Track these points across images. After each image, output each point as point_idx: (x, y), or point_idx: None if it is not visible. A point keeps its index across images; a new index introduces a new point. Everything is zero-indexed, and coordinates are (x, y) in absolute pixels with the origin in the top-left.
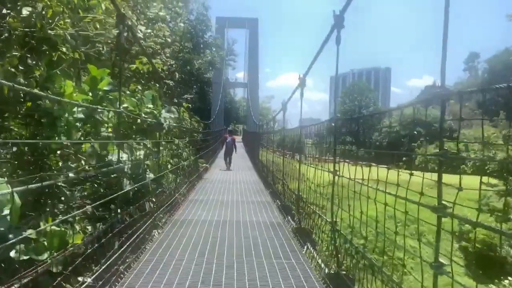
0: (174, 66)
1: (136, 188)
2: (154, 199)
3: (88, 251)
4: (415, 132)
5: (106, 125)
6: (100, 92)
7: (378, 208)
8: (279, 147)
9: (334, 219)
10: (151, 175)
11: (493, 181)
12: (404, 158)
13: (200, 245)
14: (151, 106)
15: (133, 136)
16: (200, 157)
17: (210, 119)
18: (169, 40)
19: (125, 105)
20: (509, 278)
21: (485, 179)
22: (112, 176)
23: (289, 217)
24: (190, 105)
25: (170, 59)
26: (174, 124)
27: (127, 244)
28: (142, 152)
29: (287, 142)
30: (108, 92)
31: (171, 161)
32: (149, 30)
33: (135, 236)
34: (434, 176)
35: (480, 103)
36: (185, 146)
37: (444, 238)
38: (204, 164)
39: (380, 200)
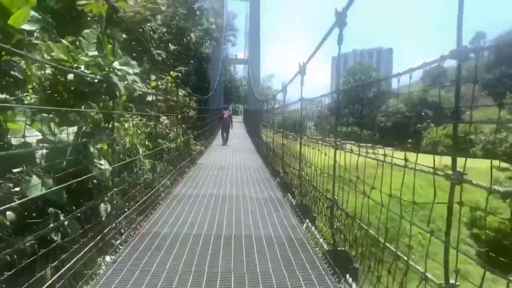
0: (166, 35)
1: (74, 186)
2: (115, 200)
3: None
4: (423, 113)
5: (30, 85)
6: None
7: None
8: (292, 128)
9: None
10: (105, 165)
11: (504, 164)
12: (410, 140)
13: None
14: (94, 53)
15: (70, 103)
16: (193, 138)
17: (208, 96)
18: (163, 8)
19: (53, 53)
20: None
21: (495, 162)
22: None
23: (310, 224)
24: (179, 74)
25: (161, 26)
26: (140, 85)
27: None
28: (74, 129)
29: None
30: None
31: (147, 143)
32: None
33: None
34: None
35: (486, 84)
36: (173, 124)
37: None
38: (198, 147)
39: None
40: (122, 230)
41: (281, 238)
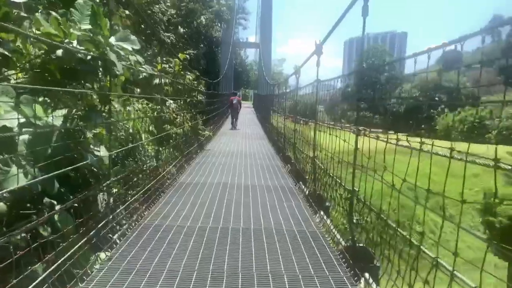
0: (175, 17)
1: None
2: (114, 189)
3: None
4: (436, 99)
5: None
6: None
7: None
8: (305, 113)
9: None
10: (102, 152)
11: None
12: (423, 126)
13: None
14: (87, 27)
15: (61, 83)
16: (202, 123)
17: (218, 81)
18: None
19: (42, 27)
20: None
21: (509, 148)
22: None
23: (324, 215)
24: (187, 57)
25: (171, 8)
26: (145, 67)
27: None
28: (63, 112)
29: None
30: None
31: (151, 128)
32: None
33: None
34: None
35: (503, 68)
36: (180, 108)
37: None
38: (206, 132)
39: None
40: (123, 221)
41: (293, 231)
